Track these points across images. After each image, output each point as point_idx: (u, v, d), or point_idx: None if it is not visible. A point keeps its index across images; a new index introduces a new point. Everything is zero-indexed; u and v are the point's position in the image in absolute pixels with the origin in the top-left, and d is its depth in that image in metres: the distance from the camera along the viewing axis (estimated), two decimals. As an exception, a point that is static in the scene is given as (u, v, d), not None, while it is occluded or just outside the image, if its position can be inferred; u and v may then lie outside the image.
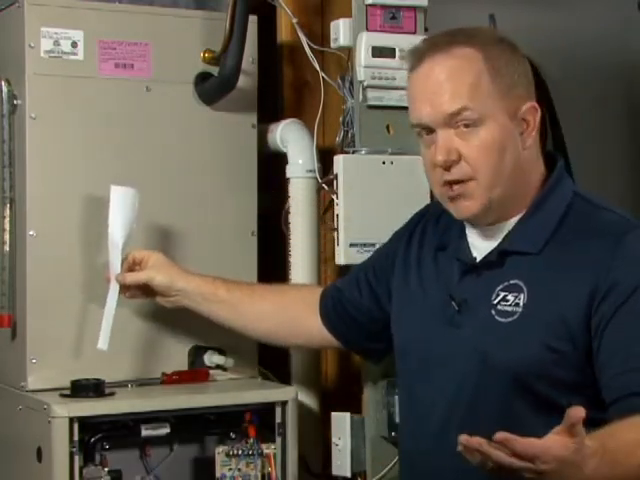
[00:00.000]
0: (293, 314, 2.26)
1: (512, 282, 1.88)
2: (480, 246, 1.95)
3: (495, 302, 1.89)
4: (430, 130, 1.89)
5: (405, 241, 2.10)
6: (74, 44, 2.28)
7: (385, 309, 2.13)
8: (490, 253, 1.92)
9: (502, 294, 1.88)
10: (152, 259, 2.25)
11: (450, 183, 1.89)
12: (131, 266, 2.25)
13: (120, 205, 2.21)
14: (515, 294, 1.87)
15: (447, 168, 1.87)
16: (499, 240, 1.93)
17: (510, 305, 1.87)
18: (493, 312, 1.88)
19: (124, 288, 2.24)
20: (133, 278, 2.23)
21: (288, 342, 2.35)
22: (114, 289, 2.22)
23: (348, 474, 2.41)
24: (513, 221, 1.92)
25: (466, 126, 1.86)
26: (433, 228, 2.06)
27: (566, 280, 1.84)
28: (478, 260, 1.94)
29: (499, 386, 1.86)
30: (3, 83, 2.27)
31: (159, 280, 2.23)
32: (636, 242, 1.83)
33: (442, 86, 1.87)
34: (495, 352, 1.87)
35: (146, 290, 2.26)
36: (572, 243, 1.87)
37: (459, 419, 1.90)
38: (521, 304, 1.86)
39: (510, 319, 1.86)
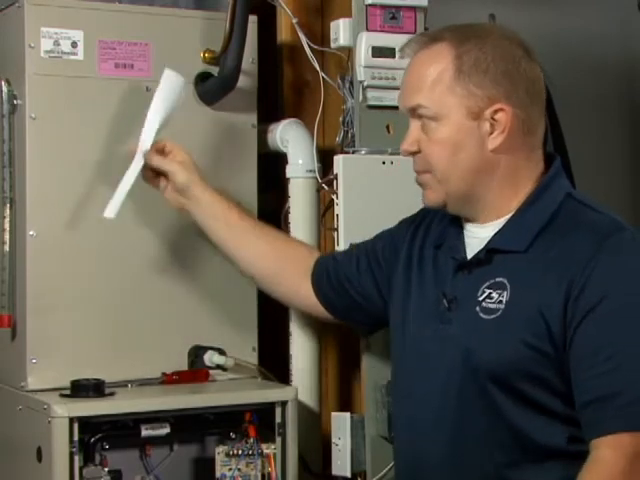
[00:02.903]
0: (290, 268, 2.27)
1: (497, 280, 1.90)
2: (473, 244, 1.97)
3: (480, 299, 1.90)
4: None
5: (410, 235, 2.11)
6: (74, 44, 2.28)
7: (382, 292, 2.14)
8: (480, 251, 1.94)
9: (487, 291, 1.90)
10: (180, 156, 2.25)
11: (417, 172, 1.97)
12: (159, 152, 2.24)
13: (168, 88, 2.22)
14: (499, 291, 1.89)
15: (412, 157, 1.95)
16: (490, 238, 1.94)
17: (494, 302, 1.89)
18: (478, 309, 1.90)
19: (144, 168, 2.23)
20: (159, 162, 2.23)
21: (274, 291, 2.33)
22: (138, 163, 2.22)
23: (348, 474, 2.41)
24: (504, 219, 1.94)
25: (426, 119, 1.92)
26: (437, 226, 2.08)
27: (547, 278, 1.85)
28: (469, 258, 1.95)
29: (483, 383, 1.87)
30: (3, 83, 2.27)
31: (180, 177, 2.23)
32: (616, 246, 1.83)
33: (409, 79, 1.95)
34: (477, 349, 1.88)
35: (160, 179, 2.26)
36: (557, 242, 1.88)
37: (447, 416, 1.92)
38: (504, 301, 1.88)
39: (493, 316, 1.88)
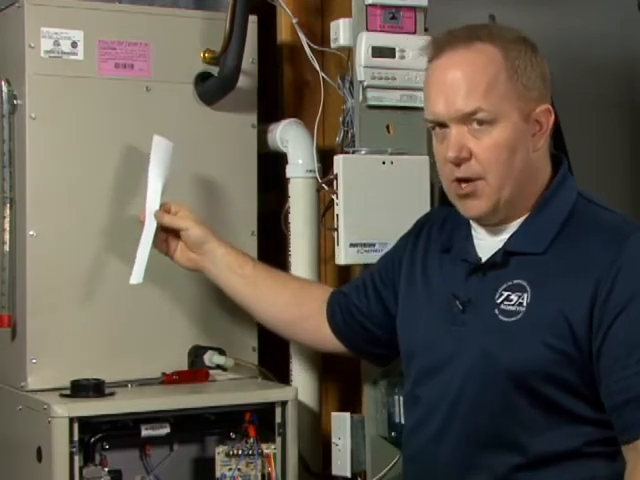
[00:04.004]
0: (309, 313, 2.27)
1: (516, 282, 1.89)
2: (486, 247, 1.96)
3: (499, 301, 1.89)
4: (443, 125, 1.90)
5: (411, 245, 2.11)
6: (74, 44, 2.28)
7: (391, 313, 2.13)
8: (495, 254, 1.93)
9: (505, 294, 1.89)
10: (189, 213, 2.25)
11: (460, 180, 1.89)
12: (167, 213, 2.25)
13: (161, 152, 2.24)
14: (519, 294, 1.88)
15: (457, 165, 1.88)
16: (504, 241, 1.93)
17: (514, 305, 1.88)
18: (497, 311, 1.89)
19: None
20: (171, 220, 2.23)
21: (298, 337, 2.35)
22: (151, 225, 2.22)
23: (348, 474, 2.41)
24: (518, 222, 1.93)
25: (479, 124, 1.86)
26: (438, 232, 2.07)
27: (570, 280, 1.84)
28: (483, 261, 1.95)
29: (501, 385, 1.87)
30: (3, 83, 2.27)
31: (196, 231, 2.23)
32: (638, 247, 1.84)
33: (459, 83, 1.86)
34: (498, 351, 1.87)
35: (169, 242, 2.25)
36: (576, 244, 1.87)
37: (461, 418, 1.91)
38: (525, 304, 1.87)
39: (513, 319, 1.87)
